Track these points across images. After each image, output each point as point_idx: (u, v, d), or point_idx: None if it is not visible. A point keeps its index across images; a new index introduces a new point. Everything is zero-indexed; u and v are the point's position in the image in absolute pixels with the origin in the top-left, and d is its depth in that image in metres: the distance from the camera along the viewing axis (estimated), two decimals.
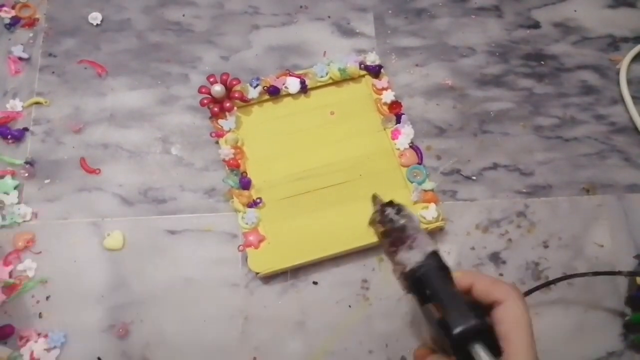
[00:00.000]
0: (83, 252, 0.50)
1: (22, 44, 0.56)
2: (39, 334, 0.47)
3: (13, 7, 0.58)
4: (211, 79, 0.52)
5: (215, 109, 0.52)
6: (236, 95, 0.52)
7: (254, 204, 0.50)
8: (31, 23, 0.58)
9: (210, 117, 0.53)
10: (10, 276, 0.49)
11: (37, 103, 0.55)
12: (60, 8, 0.58)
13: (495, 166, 0.54)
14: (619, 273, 0.48)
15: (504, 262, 0.51)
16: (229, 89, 0.53)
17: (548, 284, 0.48)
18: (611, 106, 0.57)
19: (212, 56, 0.57)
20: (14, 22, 0.57)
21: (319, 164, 0.52)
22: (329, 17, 0.59)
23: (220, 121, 0.52)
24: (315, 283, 0.49)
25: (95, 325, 0.48)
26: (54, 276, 0.49)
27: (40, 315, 0.48)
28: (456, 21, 0.60)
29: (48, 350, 0.47)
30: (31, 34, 0.57)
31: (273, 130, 0.53)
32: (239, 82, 0.53)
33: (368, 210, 0.50)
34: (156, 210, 0.51)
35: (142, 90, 0.56)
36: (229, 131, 0.52)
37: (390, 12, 0.60)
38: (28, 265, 0.49)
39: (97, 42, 0.57)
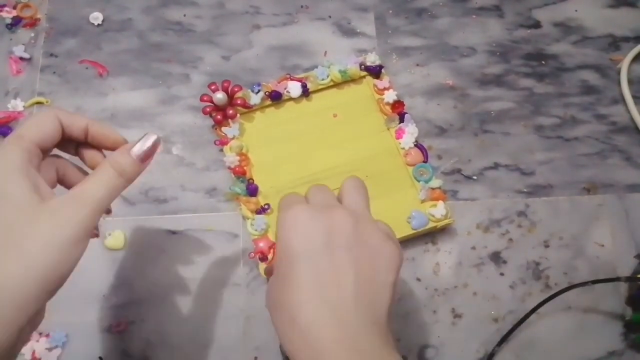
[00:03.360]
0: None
1: (23, 44, 0.57)
2: (40, 334, 0.47)
3: (14, 7, 0.58)
4: (212, 87, 0.52)
5: (218, 117, 0.52)
6: (238, 102, 0.52)
7: (262, 210, 0.50)
8: (32, 23, 0.58)
9: (213, 126, 0.53)
10: None
11: (38, 103, 0.55)
12: (61, 8, 0.59)
13: (496, 166, 0.54)
14: (618, 279, 0.48)
15: (504, 262, 0.51)
16: (230, 96, 0.52)
17: (556, 295, 0.47)
18: (612, 106, 0.57)
19: (213, 56, 0.57)
20: (15, 22, 0.57)
21: (324, 166, 0.52)
22: (329, 17, 0.59)
23: (223, 129, 0.52)
24: None
25: (97, 324, 0.48)
26: None
27: None
28: (457, 21, 0.60)
29: (49, 349, 0.47)
30: (32, 34, 0.57)
31: (277, 135, 0.53)
32: (241, 88, 0.53)
33: (375, 211, 0.50)
34: (157, 210, 0.51)
35: (143, 90, 0.56)
36: (233, 138, 0.52)
37: (390, 12, 0.60)
38: None
39: (98, 42, 0.57)
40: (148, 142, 0.35)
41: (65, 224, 0.31)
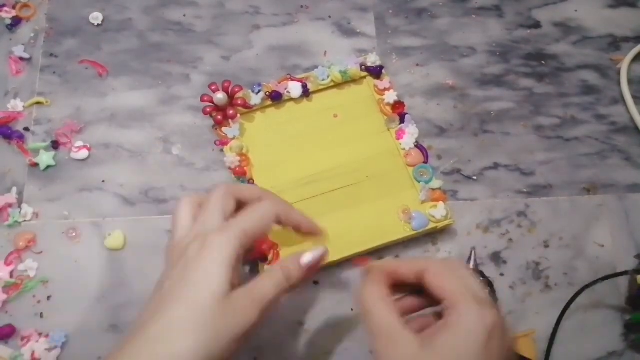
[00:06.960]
0: (84, 252, 0.50)
1: (23, 44, 0.57)
2: (40, 334, 0.47)
3: (14, 7, 0.58)
4: (213, 87, 0.52)
5: (219, 117, 0.52)
6: (239, 102, 0.52)
7: None
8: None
9: (214, 126, 0.53)
10: (11, 276, 0.49)
11: (38, 103, 0.55)
12: (61, 8, 0.59)
13: (496, 166, 0.54)
14: (625, 273, 0.48)
15: (504, 262, 0.51)
16: (231, 96, 0.52)
17: (573, 299, 0.48)
18: (612, 106, 0.57)
19: (213, 56, 0.57)
20: (15, 23, 0.57)
21: (324, 167, 0.52)
22: (329, 17, 0.59)
23: (224, 129, 0.52)
24: (316, 283, 0.49)
25: (96, 325, 0.48)
26: (55, 276, 0.49)
27: (41, 315, 0.48)
28: (457, 21, 0.60)
29: (49, 350, 0.47)
30: (32, 34, 0.57)
31: (277, 135, 0.53)
32: (241, 88, 0.53)
33: (375, 211, 0.50)
34: (157, 210, 0.51)
35: (143, 90, 0.56)
36: (233, 139, 0.52)
37: (390, 12, 0.60)
38: (29, 265, 0.49)
39: (98, 42, 0.57)
40: (316, 254, 0.39)
41: (237, 324, 0.34)
